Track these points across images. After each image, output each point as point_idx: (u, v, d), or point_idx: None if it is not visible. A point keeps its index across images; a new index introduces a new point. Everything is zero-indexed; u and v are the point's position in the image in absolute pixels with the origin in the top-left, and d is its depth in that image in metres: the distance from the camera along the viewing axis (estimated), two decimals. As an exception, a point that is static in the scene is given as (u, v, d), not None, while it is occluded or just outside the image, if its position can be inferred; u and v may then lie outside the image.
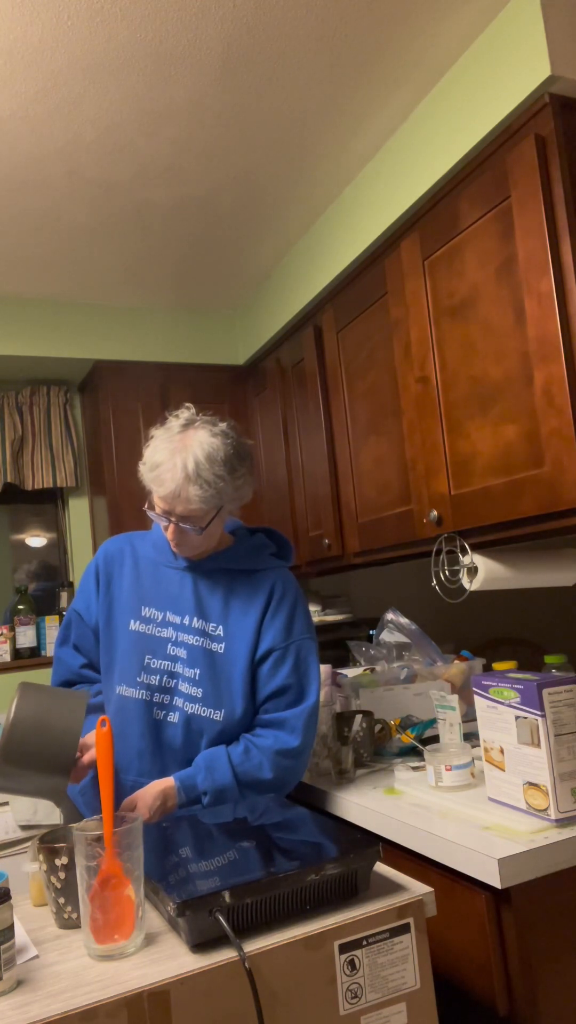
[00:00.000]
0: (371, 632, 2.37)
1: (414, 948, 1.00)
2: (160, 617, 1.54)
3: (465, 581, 1.81)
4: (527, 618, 2.28)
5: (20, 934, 1.04)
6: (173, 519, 1.46)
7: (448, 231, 1.79)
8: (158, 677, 1.50)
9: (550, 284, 1.52)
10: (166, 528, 1.50)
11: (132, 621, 1.55)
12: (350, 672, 2.18)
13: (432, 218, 1.87)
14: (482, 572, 1.77)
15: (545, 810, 1.28)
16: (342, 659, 2.59)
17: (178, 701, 1.50)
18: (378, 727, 1.88)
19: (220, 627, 1.53)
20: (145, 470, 1.48)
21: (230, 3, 1.52)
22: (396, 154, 1.98)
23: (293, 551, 1.69)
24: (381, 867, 1.15)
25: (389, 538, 2.10)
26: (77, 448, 3.00)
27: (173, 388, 2.88)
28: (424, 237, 1.87)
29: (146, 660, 1.52)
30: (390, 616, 2.26)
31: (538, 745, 1.29)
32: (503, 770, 1.36)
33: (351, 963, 0.96)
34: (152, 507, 1.50)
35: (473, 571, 1.80)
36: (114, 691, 1.53)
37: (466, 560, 1.81)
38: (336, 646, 2.67)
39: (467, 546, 1.81)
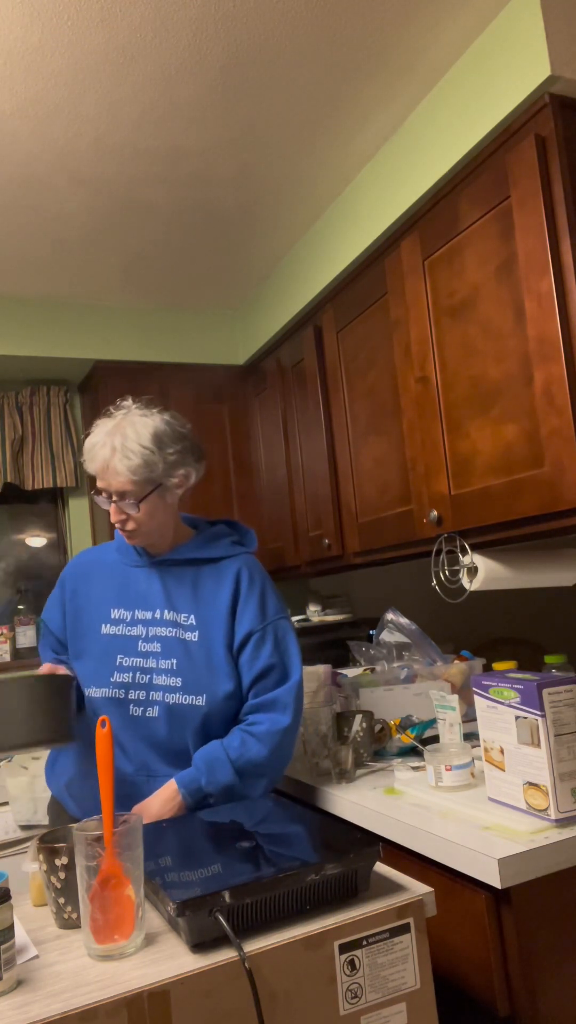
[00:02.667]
0: (371, 632, 2.37)
1: (414, 948, 1.00)
2: (129, 616, 1.58)
3: (465, 581, 1.81)
4: (527, 618, 2.28)
5: (20, 934, 1.04)
6: (113, 498, 1.54)
7: (448, 231, 1.79)
8: (131, 674, 1.53)
9: (550, 284, 1.52)
10: (109, 512, 1.57)
11: (104, 626, 1.59)
12: (350, 672, 2.18)
13: (432, 218, 1.87)
14: (482, 572, 1.77)
15: (545, 810, 1.28)
16: (342, 659, 2.59)
17: (156, 695, 1.52)
18: (378, 727, 1.88)
19: (191, 616, 1.56)
20: (84, 456, 1.57)
21: (230, 3, 1.52)
22: (396, 154, 1.98)
23: (255, 538, 1.73)
24: (381, 867, 1.15)
25: (389, 538, 2.10)
26: (77, 448, 2.99)
27: (173, 388, 2.88)
28: (424, 237, 1.87)
29: (118, 660, 1.55)
30: (390, 616, 2.26)
31: (538, 745, 1.29)
32: (503, 770, 1.36)
33: (351, 963, 0.96)
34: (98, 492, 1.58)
35: (473, 571, 1.80)
36: (87, 695, 1.56)
37: (466, 560, 1.81)
38: (336, 646, 2.67)
39: (467, 546, 1.81)
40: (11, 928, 0.90)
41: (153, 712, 1.51)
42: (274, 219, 2.36)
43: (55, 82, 1.67)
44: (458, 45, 1.70)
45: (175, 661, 1.52)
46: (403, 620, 2.23)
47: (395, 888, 1.06)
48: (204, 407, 2.93)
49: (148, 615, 1.57)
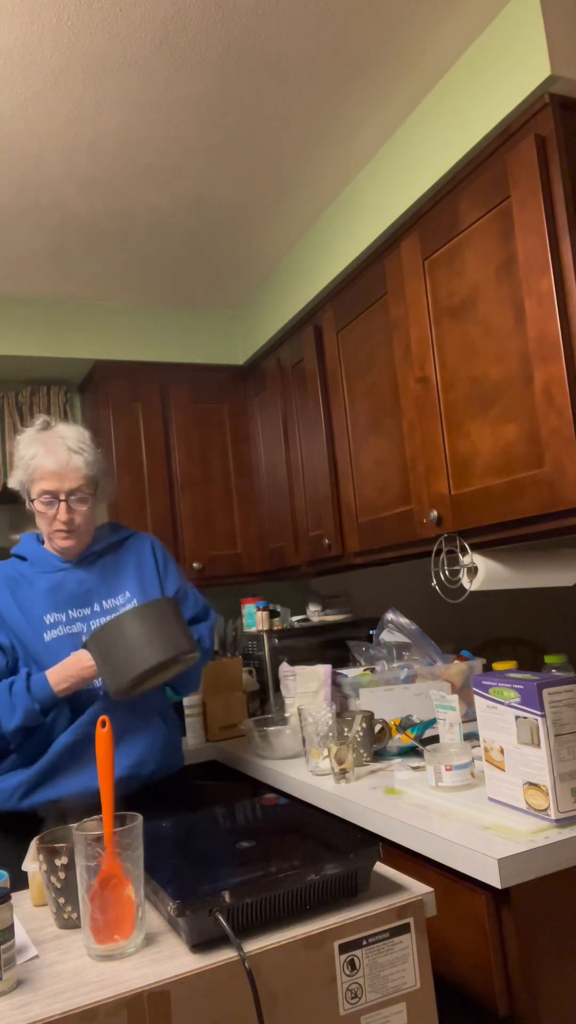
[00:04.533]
0: (371, 632, 2.37)
1: (414, 948, 1.00)
2: (65, 617, 1.65)
3: (465, 581, 1.81)
4: (527, 618, 2.28)
5: (20, 934, 1.04)
6: (62, 497, 1.62)
7: (448, 231, 1.79)
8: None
9: (550, 284, 1.52)
10: (54, 516, 1.63)
11: (44, 634, 1.63)
12: (350, 672, 2.18)
13: (432, 218, 1.87)
14: (482, 572, 1.77)
15: (545, 810, 1.28)
16: (342, 659, 2.59)
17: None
18: (378, 727, 1.88)
19: (127, 592, 1.69)
20: (20, 469, 1.65)
21: (230, 3, 1.52)
22: (396, 154, 1.98)
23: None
24: (381, 867, 1.15)
25: (389, 538, 2.10)
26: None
27: (173, 388, 2.88)
28: (424, 237, 1.87)
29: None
30: (390, 616, 2.26)
31: (538, 745, 1.29)
32: (503, 770, 1.36)
33: (351, 963, 0.96)
34: (33, 502, 1.65)
35: (473, 571, 1.80)
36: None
37: (466, 560, 1.81)
38: (336, 646, 2.67)
39: (467, 546, 1.81)
40: (11, 928, 0.90)
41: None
42: (274, 219, 2.35)
43: (55, 82, 1.67)
44: (458, 45, 1.70)
45: None
46: (403, 620, 2.23)
47: (395, 888, 1.06)
48: (204, 407, 2.93)
49: (86, 611, 1.66)
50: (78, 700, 1.59)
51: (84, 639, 1.60)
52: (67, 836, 1.10)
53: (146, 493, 2.79)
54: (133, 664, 1.46)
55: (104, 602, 1.68)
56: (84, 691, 1.59)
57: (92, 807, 1.41)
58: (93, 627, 1.64)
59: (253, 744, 2.08)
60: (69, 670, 1.54)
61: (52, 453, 1.62)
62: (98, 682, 1.60)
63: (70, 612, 1.65)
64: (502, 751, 1.37)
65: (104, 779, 1.03)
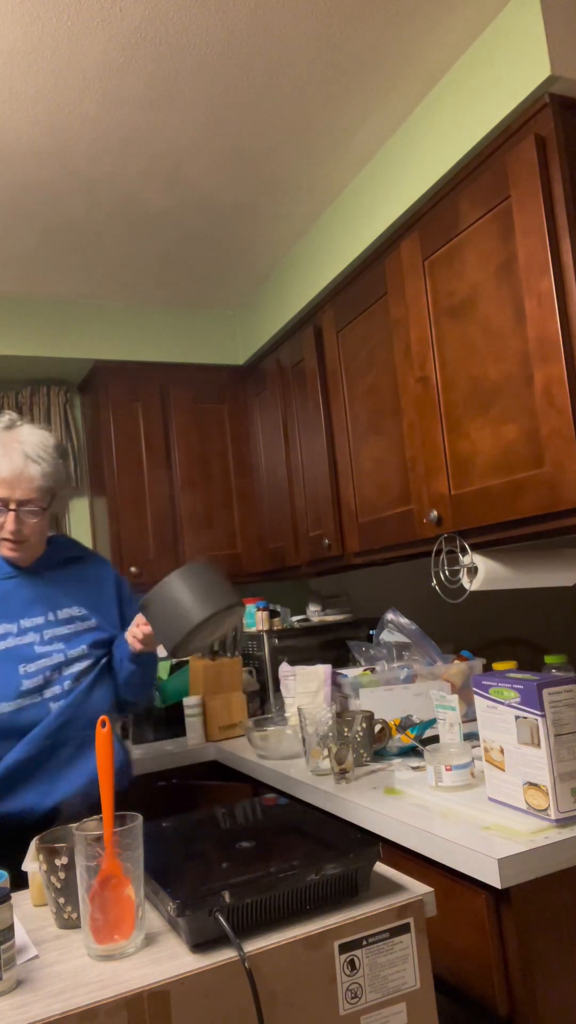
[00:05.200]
0: (371, 632, 2.37)
1: (414, 948, 1.00)
2: (16, 628, 1.58)
3: (465, 581, 1.81)
4: (527, 618, 2.28)
5: (20, 934, 1.04)
6: (12, 506, 1.54)
7: (448, 231, 1.79)
8: (40, 676, 1.56)
9: (550, 284, 1.52)
10: (1, 524, 1.55)
11: None
12: (350, 672, 2.18)
13: (432, 218, 1.87)
14: (482, 572, 1.77)
15: (545, 810, 1.28)
16: (342, 659, 2.59)
17: (70, 683, 1.58)
18: (378, 727, 1.88)
19: (82, 608, 1.65)
20: None
21: (230, 3, 1.52)
22: (396, 154, 1.98)
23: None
24: (381, 867, 1.15)
25: (389, 538, 2.10)
26: (77, 448, 2.99)
27: (173, 388, 2.88)
28: (424, 237, 1.87)
29: (21, 669, 1.55)
30: (390, 616, 2.26)
31: (538, 745, 1.29)
32: (503, 770, 1.36)
33: (351, 963, 0.96)
34: None
35: (473, 571, 1.80)
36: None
37: (466, 560, 1.81)
38: (336, 646, 2.67)
39: (467, 546, 1.81)
40: (11, 928, 0.90)
41: (80, 695, 1.58)
42: (274, 219, 2.35)
43: (55, 82, 1.67)
44: (458, 45, 1.70)
45: (84, 647, 1.61)
46: (403, 620, 2.23)
47: (395, 888, 1.06)
48: (204, 407, 2.93)
49: (39, 620, 1.60)
50: (28, 718, 1.53)
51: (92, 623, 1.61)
52: (67, 836, 1.10)
53: (146, 493, 2.79)
54: (188, 619, 1.47)
55: (59, 611, 1.62)
56: (33, 706, 1.53)
57: (42, 824, 1.40)
58: (47, 637, 1.59)
59: (253, 744, 2.08)
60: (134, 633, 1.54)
61: (7, 458, 1.53)
62: (52, 699, 1.55)
63: (22, 621, 1.59)
64: (502, 751, 1.37)
65: (104, 779, 1.03)
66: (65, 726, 1.55)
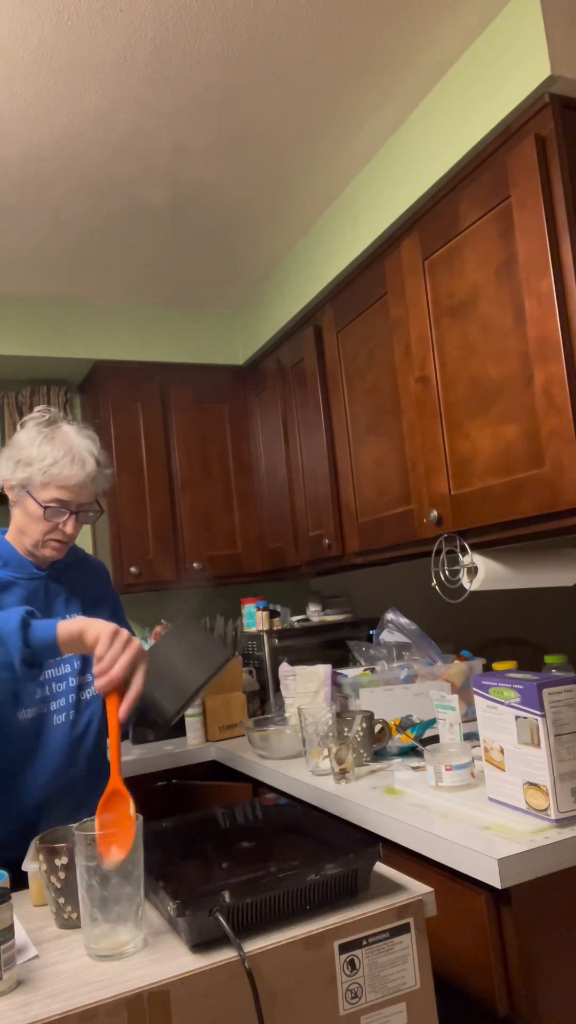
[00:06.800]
0: (371, 632, 2.37)
1: (414, 948, 1.00)
2: None
3: (465, 581, 1.81)
4: (527, 618, 2.28)
5: (20, 934, 1.04)
6: (74, 509, 1.50)
7: (448, 231, 1.79)
8: (47, 687, 1.50)
9: (550, 284, 1.52)
10: (56, 526, 1.49)
11: None
12: (350, 672, 2.18)
13: (432, 218, 1.87)
14: (482, 572, 1.77)
15: (545, 810, 1.28)
16: (342, 659, 2.59)
17: (63, 701, 1.51)
18: (378, 727, 1.88)
19: (77, 613, 1.59)
20: (36, 470, 1.46)
21: (230, 3, 1.52)
22: (396, 154, 1.98)
23: None
24: (381, 867, 1.15)
25: (389, 538, 2.10)
26: (77, 448, 2.99)
27: (173, 388, 2.88)
28: (424, 237, 1.87)
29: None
30: (390, 616, 2.26)
31: (538, 745, 1.29)
32: (503, 770, 1.36)
33: (351, 963, 0.96)
34: (33, 503, 1.48)
35: (473, 571, 1.79)
36: (16, 719, 1.46)
37: (466, 560, 1.81)
38: (336, 646, 2.67)
39: (467, 546, 1.81)
40: (11, 928, 0.90)
41: (73, 715, 1.51)
42: (274, 219, 2.36)
43: (55, 81, 1.67)
44: (458, 45, 1.70)
45: (77, 661, 1.54)
46: (403, 620, 2.23)
47: (395, 888, 1.06)
48: (204, 407, 2.93)
49: None
50: (38, 727, 1.47)
51: None
52: (67, 836, 1.10)
53: (146, 493, 2.79)
54: (185, 687, 1.46)
55: (65, 617, 1.54)
56: (43, 716, 1.47)
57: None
58: None
59: (253, 744, 2.08)
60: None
61: (79, 464, 1.48)
62: (56, 712, 1.49)
63: None
64: (502, 751, 1.37)
65: (111, 707, 1.12)
66: (73, 778, 1.48)
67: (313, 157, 2.06)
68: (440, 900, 1.30)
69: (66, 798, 1.47)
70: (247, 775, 2.13)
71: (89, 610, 1.62)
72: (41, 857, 1.05)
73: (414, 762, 1.78)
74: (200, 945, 0.94)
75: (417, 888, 1.06)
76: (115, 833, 0.97)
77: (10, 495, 1.54)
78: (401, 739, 1.87)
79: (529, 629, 2.27)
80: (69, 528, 1.51)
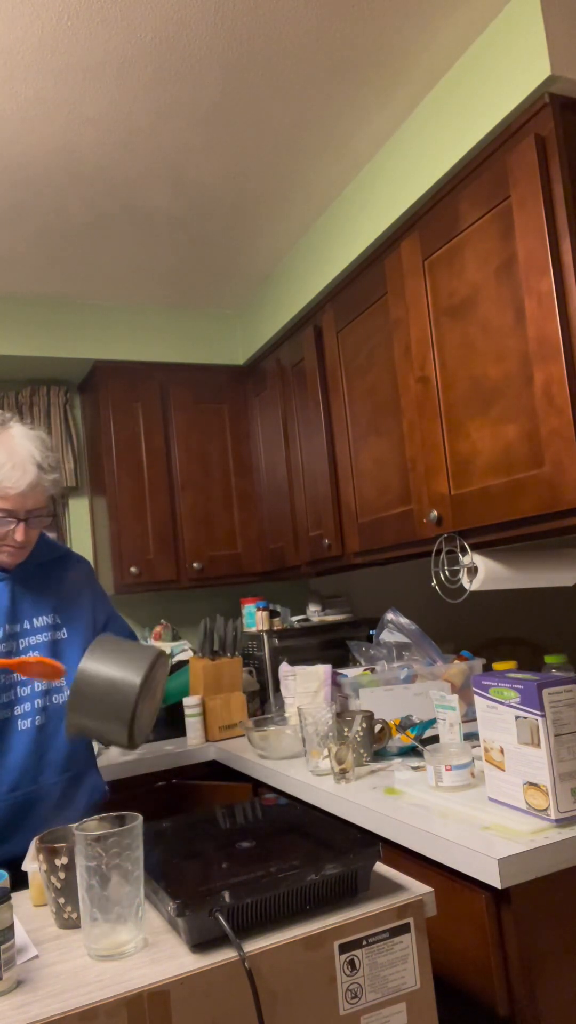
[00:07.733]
0: (371, 632, 2.37)
1: (414, 948, 1.00)
2: (0, 633, 1.50)
3: (465, 581, 1.81)
4: (527, 618, 2.28)
5: (20, 934, 1.04)
6: (23, 517, 1.45)
7: (448, 231, 1.79)
8: (12, 692, 1.48)
9: (550, 284, 1.52)
10: (6, 534, 1.45)
11: None
12: (350, 672, 2.18)
13: (432, 218, 1.87)
14: (482, 572, 1.77)
15: (545, 810, 1.28)
16: (342, 659, 2.59)
17: (28, 705, 1.48)
18: (378, 727, 1.88)
19: (57, 616, 1.56)
20: None
21: (230, 3, 1.52)
22: (396, 154, 1.98)
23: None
24: (381, 867, 1.15)
25: (389, 538, 2.10)
26: (77, 448, 3.00)
27: (173, 388, 2.88)
28: (424, 237, 1.87)
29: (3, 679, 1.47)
30: (390, 616, 2.26)
31: (538, 745, 1.29)
32: (503, 770, 1.36)
33: (351, 963, 0.96)
34: None
35: (473, 571, 1.80)
36: None
37: (466, 560, 1.81)
38: (336, 646, 2.67)
39: (467, 546, 1.81)
40: (11, 928, 0.90)
41: (40, 719, 1.48)
42: (274, 219, 2.36)
43: (55, 82, 1.67)
44: (458, 45, 1.70)
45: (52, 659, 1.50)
46: (403, 620, 2.23)
47: (395, 888, 1.06)
48: (204, 407, 2.93)
49: (16, 627, 1.51)
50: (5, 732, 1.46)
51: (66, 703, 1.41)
52: (67, 836, 1.10)
53: (146, 493, 2.79)
54: (122, 702, 1.29)
55: (35, 620, 1.54)
56: (6, 720, 1.45)
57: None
58: (22, 646, 1.50)
59: (253, 744, 2.08)
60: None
61: (21, 471, 1.42)
62: (21, 717, 1.46)
63: (6, 627, 1.50)
64: (502, 751, 1.37)
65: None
66: (41, 762, 1.46)
67: (313, 157, 2.06)
68: (440, 900, 1.30)
69: (38, 807, 1.44)
70: (247, 775, 2.13)
71: (64, 609, 1.58)
72: (41, 857, 1.05)
73: (414, 762, 1.78)
74: (200, 945, 0.94)
75: (417, 888, 1.06)
76: (34, 662, 0.93)
77: None
78: (401, 739, 1.87)
79: (529, 629, 2.27)
80: (19, 536, 1.46)
